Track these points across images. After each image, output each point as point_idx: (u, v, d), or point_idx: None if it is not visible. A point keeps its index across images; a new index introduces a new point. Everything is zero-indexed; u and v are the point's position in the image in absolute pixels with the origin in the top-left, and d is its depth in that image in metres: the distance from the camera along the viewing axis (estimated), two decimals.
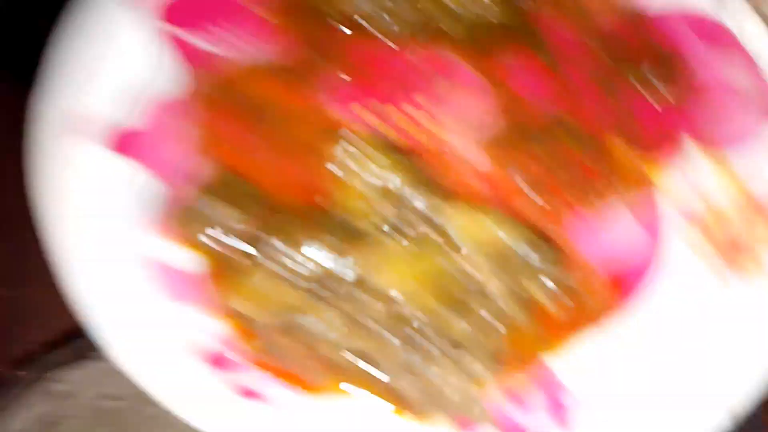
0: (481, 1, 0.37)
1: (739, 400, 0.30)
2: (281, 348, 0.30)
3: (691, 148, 0.35)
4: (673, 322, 0.32)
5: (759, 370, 0.30)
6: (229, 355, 0.30)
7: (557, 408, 0.30)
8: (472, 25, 0.37)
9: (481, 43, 0.37)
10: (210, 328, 0.30)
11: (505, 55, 0.36)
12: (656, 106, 0.36)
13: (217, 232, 0.30)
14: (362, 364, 0.30)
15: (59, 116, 0.32)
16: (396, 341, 0.30)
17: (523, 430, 0.30)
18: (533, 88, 0.36)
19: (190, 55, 0.34)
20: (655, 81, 0.37)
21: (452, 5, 0.36)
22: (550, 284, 0.32)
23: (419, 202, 0.32)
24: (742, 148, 0.35)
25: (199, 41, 0.34)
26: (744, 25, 0.37)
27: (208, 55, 0.35)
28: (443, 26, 0.37)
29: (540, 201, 0.33)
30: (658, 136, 0.36)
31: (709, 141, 0.35)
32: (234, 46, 0.36)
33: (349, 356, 0.30)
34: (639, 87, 0.37)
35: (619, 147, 0.36)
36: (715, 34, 0.38)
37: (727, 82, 0.36)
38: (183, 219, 0.31)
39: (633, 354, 0.31)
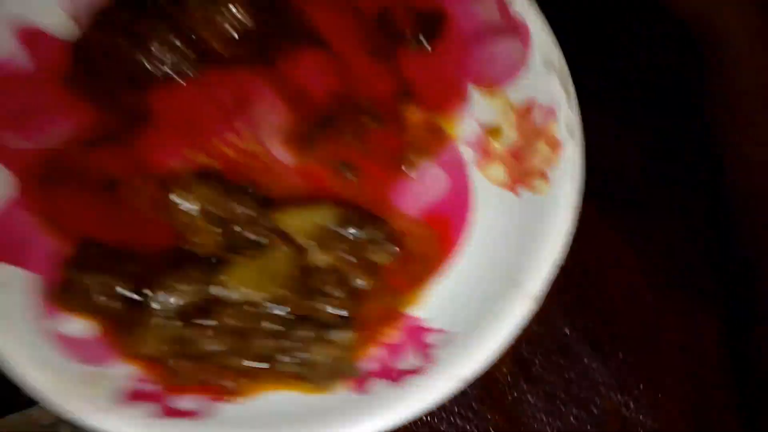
0: (243, 14, 0.39)
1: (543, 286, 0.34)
2: (188, 371, 0.33)
3: (475, 95, 0.39)
4: (490, 240, 0.36)
5: (551, 254, 0.35)
6: (146, 388, 0.32)
7: (422, 347, 0.34)
8: (245, 39, 0.40)
9: (258, 54, 0.40)
10: (122, 373, 0.33)
11: (283, 56, 0.39)
12: (435, 65, 0.40)
13: (98, 298, 0.33)
14: (257, 365, 0.33)
15: None
16: (274, 337, 0.33)
17: (400, 372, 0.33)
18: (315, 79, 0.39)
19: (7, 158, 0.36)
20: (425, 42, 0.40)
21: (221, 27, 0.39)
22: (387, 249, 0.35)
23: (257, 218, 0.35)
24: (516, 82, 0.39)
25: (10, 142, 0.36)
26: None
27: (23, 152, 0.36)
28: (217, 48, 0.39)
29: (353, 180, 0.37)
30: (447, 94, 0.40)
31: (489, 82, 0.39)
32: (40, 134, 0.37)
33: (247, 362, 0.33)
34: (414, 51, 0.40)
35: (416, 115, 0.39)
36: None
37: (487, 25, 0.40)
38: (62, 296, 0.33)
39: (470, 279, 0.35)
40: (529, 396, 0.44)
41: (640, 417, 0.46)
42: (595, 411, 0.47)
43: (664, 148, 0.47)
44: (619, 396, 0.47)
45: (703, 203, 0.47)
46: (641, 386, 0.47)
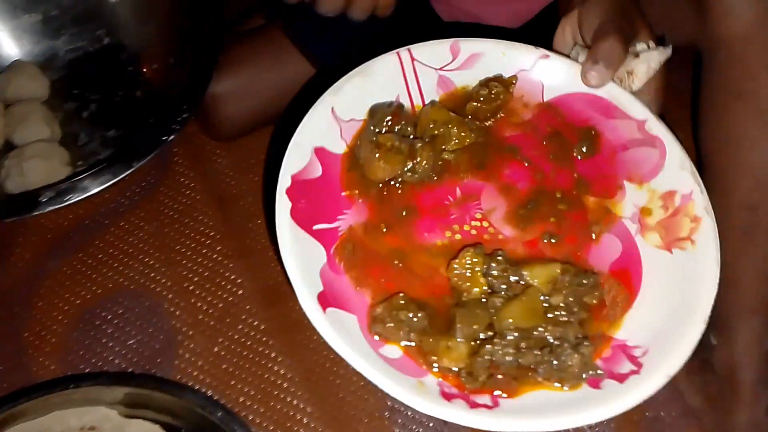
0: (465, 133, 0.57)
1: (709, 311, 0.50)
2: (480, 377, 0.47)
3: (629, 186, 0.57)
4: (657, 281, 0.52)
5: (710, 292, 0.50)
6: (452, 390, 0.47)
7: (631, 358, 0.49)
8: (464, 152, 0.57)
9: (476, 162, 0.57)
10: (434, 381, 0.47)
11: (492, 163, 0.57)
12: (598, 166, 0.58)
13: (399, 329, 0.48)
14: (531, 373, 0.48)
15: None
16: (539, 351, 0.48)
17: (622, 374, 0.48)
18: (517, 177, 0.57)
19: (320, 238, 0.52)
20: (586, 151, 0.58)
21: (451, 145, 0.56)
22: (594, 292, 0.51)
23: (508, 273, 0.50)
24: (658, 178, 0.56)
25: (321, 227, 0.52)
26: (617, 96, 0.59)
27: (332, 231, 0.52)
28: (448, 158, 0.56)
29: (555, 244, 0.54)
30: (609, 186, 0.57)
31: (639, 179, 0.57)
32: (335, 221, 0.53)
33: (520, 370, 0.48)
34: (581, 158, 0.58)
35: (591, 201, 0.56)
36: (605, 107, 0.59)
37: (630, 139, 0.58)
38: (374, 328, 0.49)
39: (654, 311, 0.51)
40: None
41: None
42: None
43: None
44: None
45: None
46: None
